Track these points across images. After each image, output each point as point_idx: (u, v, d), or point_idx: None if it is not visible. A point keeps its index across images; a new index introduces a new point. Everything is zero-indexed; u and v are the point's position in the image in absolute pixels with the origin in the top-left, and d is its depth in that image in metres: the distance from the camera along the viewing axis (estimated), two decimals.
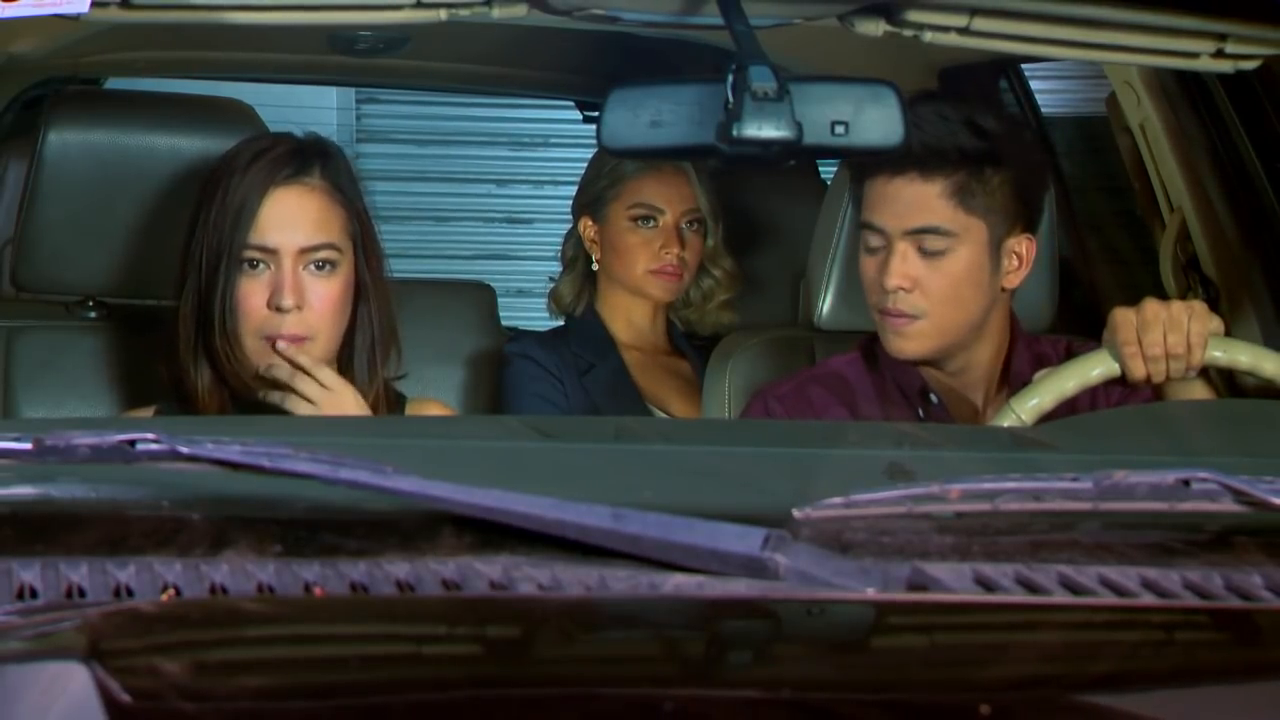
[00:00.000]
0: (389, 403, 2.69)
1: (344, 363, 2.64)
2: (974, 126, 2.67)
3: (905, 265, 2.64)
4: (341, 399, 2.53)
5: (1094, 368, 2.49)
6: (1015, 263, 2.71)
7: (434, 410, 2.79)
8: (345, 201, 2.65)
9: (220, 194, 2.60)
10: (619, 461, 1.82)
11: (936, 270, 2.64)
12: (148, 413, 2.68)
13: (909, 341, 2.66)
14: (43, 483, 1.51)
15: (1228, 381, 2.67)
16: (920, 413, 2.72)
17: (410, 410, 2.76)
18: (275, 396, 2.56)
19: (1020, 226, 2.70)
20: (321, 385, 2.53)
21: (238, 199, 2.59)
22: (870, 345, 2.78)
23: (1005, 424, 2.41)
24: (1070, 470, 1.60)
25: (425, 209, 8.22)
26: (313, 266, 2.59)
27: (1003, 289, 2.72)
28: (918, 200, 2.64)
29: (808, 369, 2.86)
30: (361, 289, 2.65)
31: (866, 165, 2.68)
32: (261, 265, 2.59)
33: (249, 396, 2.59)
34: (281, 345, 2.56)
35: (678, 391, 3.36)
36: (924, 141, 2.60)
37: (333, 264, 2.61)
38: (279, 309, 2.57)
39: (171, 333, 2.65)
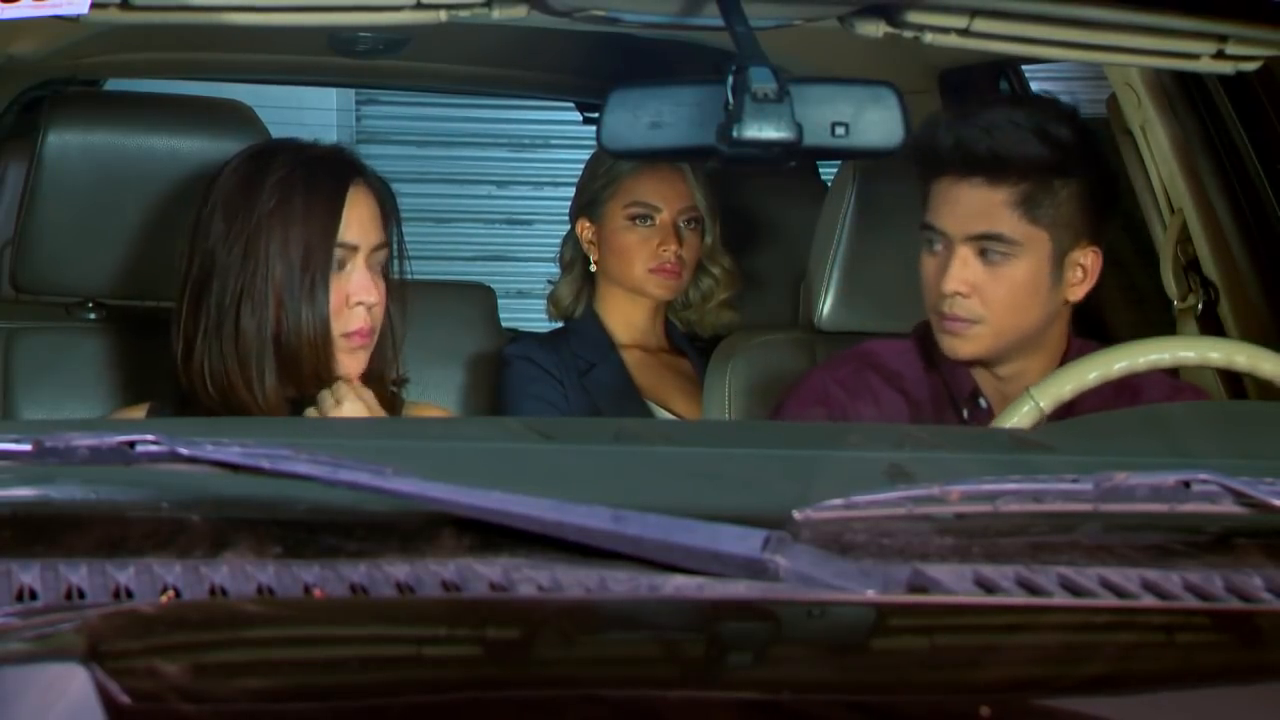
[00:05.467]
0: (390, 406, 2.68)
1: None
2: (1045, 135, 2.59)
3: (965, 271, 2.59)
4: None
5: (1116, 361, 2.44)
6: (1079, 275, 2.64)
7: (432, 414, 2.78)
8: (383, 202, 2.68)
9: (297, 194, 2.56)
10: (619, 463, 1.82)
11: (997, 277, 2.59)
12: (140, 411, 2.66)
13: (965, 343, 2.62)
14: (42, 484, 1.51)
15: (1231, 382, 2.67)
16: (965, 414, 2.68)
17: (407, 414, 2.75)
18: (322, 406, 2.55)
19: (1086, 239, 2.64)
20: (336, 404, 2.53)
21: (321, 197, 2.57)
22: (925, 338, 2.73)
23: (1024, 409, 2.38)
24: (1070, 472, 1.60)
25: (425, 210, 8.22)
26: (377, 265, 2.61)
27: (1065, 301, 2.66)
28: (983, 206, 2.59)
29: (855, 351, 2.79)
30: (389, 287, 2.66)
31: (932, 165, 2.62)
32: (343, 263, 2.59)
33: (311, 399, 2.56)
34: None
35: (679, 390, 3.36)
36: (994, 149, 2.57)
37: (385, 262, 2.64)
38: (359, 304, 2.57)
39: (214, 341, 2.57)
